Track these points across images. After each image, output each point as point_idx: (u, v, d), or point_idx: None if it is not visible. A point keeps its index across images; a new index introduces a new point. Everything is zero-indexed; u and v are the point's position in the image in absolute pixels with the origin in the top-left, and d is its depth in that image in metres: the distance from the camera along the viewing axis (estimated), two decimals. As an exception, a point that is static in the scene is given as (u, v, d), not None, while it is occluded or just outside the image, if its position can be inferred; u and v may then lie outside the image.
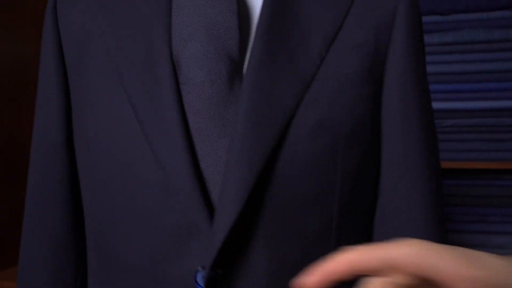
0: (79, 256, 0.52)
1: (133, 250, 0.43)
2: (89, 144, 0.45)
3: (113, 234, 0.44)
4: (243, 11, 0.47)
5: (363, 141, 0.45)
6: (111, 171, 0.44)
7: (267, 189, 0.41)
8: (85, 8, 0.50)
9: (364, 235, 0.47)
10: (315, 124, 0.42)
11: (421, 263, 0.23)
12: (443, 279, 0.23)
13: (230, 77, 0.43)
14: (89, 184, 0.46)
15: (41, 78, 0.52)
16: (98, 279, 0.47)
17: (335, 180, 0.43)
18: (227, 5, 0.44)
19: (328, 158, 0.42)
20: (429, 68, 1.45)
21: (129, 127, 0.43)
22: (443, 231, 0.48)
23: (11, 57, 1.42)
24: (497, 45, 1.40)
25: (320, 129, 0.42)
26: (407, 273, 0.24)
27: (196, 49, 0.43)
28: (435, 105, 1.41)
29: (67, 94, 0.50)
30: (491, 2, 1.41)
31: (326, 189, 0.42)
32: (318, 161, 0.42)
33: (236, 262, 0.41)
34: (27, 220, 0.52)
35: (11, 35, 1.42)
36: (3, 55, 1.39)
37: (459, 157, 1.39)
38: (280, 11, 0.45)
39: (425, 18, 1.47)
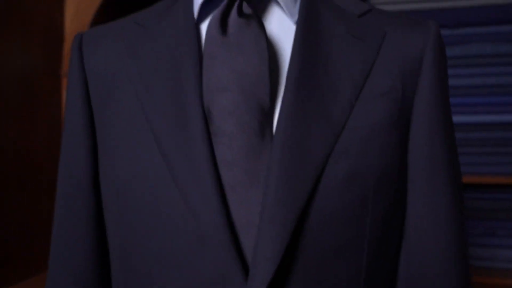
0: None
1: None
2: (118, 192, 0.46)
3: (142, 283, 0.44)
4: (273, 57, 0.47)
5: (392, 188, 0.45)
6: (142, 221, 0.44)
7: (300, 242, 0.41)
8: (111, 48, 0.51)
9: (392, 278, 0.48)
10: (346, 175, 0.42)
11: None
12: None
13: (261, 127, 0.43)
14: (118, 230, 0.47)
15: (67, 119, 0.52)
16: None
17: (364, 228, 0.43)
18: (258, 55, 0.44)
19: (358, 208, 0.43)
20: (468, 81, 1.46)
21: (161, 176, 0.43)
22: (467, 269, 0.49)
23: (19, 69, 1.43)
24: (505, 59, 1.41)
25: (350, 179, 0.42)
26: None
27: (228, 100, 0.43)
28: (464, 118, 1.42)
29: (93, 135, 0.51)
30: (499, 15, 1.42)
31: (356, 238, 0.43)
32: (348, 211, 0.43)
33: None
34: (52, 262, 0.53)
35: (19, 48, 1.43)
36: (11, 67, 1.40)
37: (467, 171, 1.40)
38: (310, 59, 0.45)
39: (456, 32, 1.48)
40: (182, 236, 0.42)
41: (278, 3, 0.49)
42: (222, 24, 0.45)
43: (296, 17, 0.49)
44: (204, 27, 0.50)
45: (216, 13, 0.46)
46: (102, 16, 1.60)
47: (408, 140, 0.47)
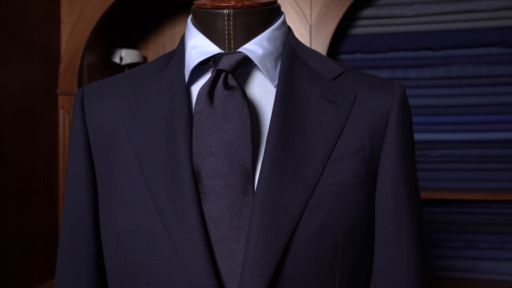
0: None
1: None
2: (117, 239, 0.52)
3: None
4: (256, 119, 0.54)
5: (359, 236, 0.52)
6: (139, 268, 0.51)
7: (278, 285, 0.48)
8: (110, 105, 0.57)
9: None
10: (318, 228, 0.49)
11: None
12: None
13: (244, 187, 0.50)
14: (117, 272, 0.53)
15: (70, 170, 0.58)
16: None
17: (335, 273, 0.50)
18: (241, 123, 0.50)
19: (329, 256, 0.49)
20: (420, 101, 1.53)
21: (155, 229, 0.50)
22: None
23: (20, 89, 1.48)
24: (485, 80, 1.48)
25: (322, 231, 0.49)
26: None
27: (214, 164, 0.50)
28: (425, 136, 1.48)
29: (94, 184, 0.57)
30: (479, 39, 1.49)
31: (328, 281, 0.50)
32: (320, 259, 0.49)
33: None
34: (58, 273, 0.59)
35: (20, 69, 1.48)
36: (11, 88, 1.45)
37: (447, 186, 1.47)
38: (287, 123, 0.51)
39: (417, 54, 1.55)
40: (174, 283, 0.49)
41: (260, 70, 0.55)
42: (210, 95, 0.51)
43: (276, 81, 0.55)
44: (194, 88, 0.57)
45: (205, 85, 0.52)
46: (95, 39, 1.66)
47: (375, 190, 0.54)
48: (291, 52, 0.56)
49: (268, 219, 0.48)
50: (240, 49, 0.55)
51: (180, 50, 0.58)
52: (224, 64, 0.52)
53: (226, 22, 0.54)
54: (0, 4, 1.39)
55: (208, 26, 0.56)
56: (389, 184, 0.53)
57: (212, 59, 0.55)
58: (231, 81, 0.52)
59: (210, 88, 0.51)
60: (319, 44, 1.49)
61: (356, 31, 1.58)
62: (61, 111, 1.66)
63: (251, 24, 0.55)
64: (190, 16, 0.59)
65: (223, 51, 0.55)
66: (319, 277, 0.49)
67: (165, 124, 0.52)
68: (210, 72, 0.55)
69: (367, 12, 1.57)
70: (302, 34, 1.49)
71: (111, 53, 1.81)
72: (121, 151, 0.54)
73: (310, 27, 1.50)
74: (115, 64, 1.83)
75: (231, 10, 0.54)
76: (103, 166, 0.55)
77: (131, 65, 1.84)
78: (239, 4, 0.53)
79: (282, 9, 1.44)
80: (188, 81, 0.56)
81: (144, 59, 1.91)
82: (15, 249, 1.44)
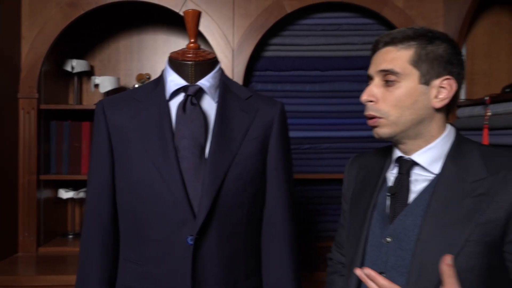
0: (116, 243, 1.01)
1: (155, 231, 0.95)
2: (130, 185, 0.96)
3: (143, 224, 0.95)
4: (206, 122, 0.99)
5: (258, 181, 1.01)
6: (145, 197, 0.95)
7: (217, 204, 0.95)
8: (121, 113, 0.99)
9: (259, 230, 1.03)
10: (237, 174, 0.97)
11: None
12: None
13: (201, 155, 0.96)
14: (129, 202, 0.97)
15: (96, 149, 1.00)
16: (131, 248, 0.97)
17: (245, 197, 0.99)
18: (199, 123, 0.97)
19: (242, 189, 0.98)
20: (312, 108, 2.04)
21: (155, 176, 0.94)
22: (295, 220, 1.06)
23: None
24: (356, 93, 2.04)
25: (239, 176, 0.97)
26: None
27: (186, 143, 0.95)
28: (299, 134, 1.99)
29: (112, 158, 0.99)
30: (353, 63, 2.05)
31: (241, 203, 0.98)
32: (238, 190, 0.97)
33: (205, 233, 0.94)
34: (87, 220, 1.00)
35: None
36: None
37: (314, 170, 1.99)
38: (222, 123, 0.99)
39: (310, 73, 2.04)
40: (165, 202, 0.94)
41: (208, 94, 1.02)
42: (183, 108, 0.97)
43: (216, 99, 1.02)
44: (172, 103, 1.01)
45: (180, 102, 0.98)
46: (52, 51, 1.94)
47: (267, 157, 1.03)
48: (223, 84, 1.04)
49: (213, 169, 0.95)
50: (198, 83, 1.01)
51: (162, 81, 1.03)
52: (190, 91, 0.99)
53: (190, 68, 1.00)
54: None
55: (179, 69, 1.01)
56: (273, 155, 1.03)
57: (182, 88, 1.01)
58: (194, 101, 0.98)
59: (183, 104, 0.98)
60: (239, 63, 1.95)
61: (267, 54, 2.05)
62: (21, 112, 1.92)
63: (203, 69, 1.01)
64: (167, 60, 1.04)
65: (188, 84, 1.01)
66: (237, 198, 0.97)
67: (157, 123, 0.97)
68: (181, 95, 1.01)
69: (275, 40, 2.05)
70: (226, 56, 1.95)
71: (63, 63, 2.11)
72: (131, 139, 0.97)
73: (233, 50, 1.96)
74: (67, 72, 2.12)
75: (193, 62, 1.00)
76: (120, 147, 0.98)
77: (81, 73, 2.15)
78: (197, 59, 1.00)
79: (212, 36, 1.90)
80: (168, 99, 1.01)
81: (92, 67, 2.21)
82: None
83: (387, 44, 0.89)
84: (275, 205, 1.03)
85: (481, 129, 1.68)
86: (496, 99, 1.66)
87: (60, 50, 2.08)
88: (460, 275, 0.77)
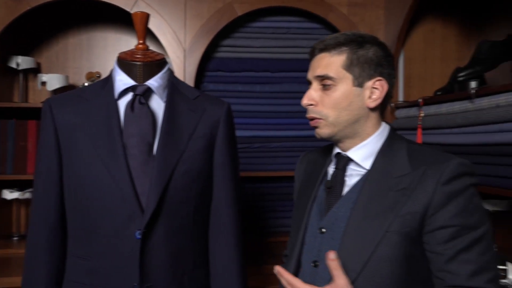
0: (64, 239, 1.02)
1: (104, 227, 0.97)
2: (78, 182, 0.97)
3: (91, 220, 0.97)
4: (154, 120, 1.02)
5: (204, 177, 1.06)
6: (93, 193, 0.96)
7: (165, 199, 0.98)
8: (69, 111, 1.00)
9: (206, 225, 1.08)
10: (184, 170, 1.01)
11: None
12: None
13: (149, 152, 0.99)
14: (76, 198, 0.98)
15: (43, 147, 1.00)
16: (80, 244, 0.98)
17: (192, 193, 1.03)
18: (147, 121, 0.99)
19: (189, 185, 1.02)
20: (263, 108, 2.11)
21: (103, 173, 0.96)
22: (240, 212, 1.11)
23: None
24: (303, 94, 2.13)
25: (186, 172, 1.01)
26: None
27: (134, 140, 0.98)
28: (250, 133, 2.05)
29: (59, 158, 1.00)
30: (301, 66, 2.14)
31: (188, 198, 1.02)
32: (185, 186, 1.01)
33: (152, 227, 0.97)
34: (33, 219, 1.00)
35: None
36: None
37: (265, 168, 2.06)
38: (170, 121, 1.02)
39: (261, 74, 2.11)
40: (114, 198, 0.97)
41: (156, 94, 1.05)
42: (132, 107, 0.99)
43: (164, 99, 1.06)
44: (120, 103, 1.03)
45: (129, 102, 1.00)
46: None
47: (213, 157, 1.08)
48: (171, 85, 1.07)
49: (161, 166, 0.98)
50: (146, 83, 1.04)
51: (110, 80, 1.05)
52: (138, 91, 1.01)
53: (138, 68, 1.03)
54: None
55: (128, 69, 1.04)
56: (220, 152, 1.08)
57: (130, 88, 1.03)
58: (142, 100, 1.01)
59: (131, 103, 1.00)
60: (191, 64, 1.98)
61: (219, 55, 2.09)
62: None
63: (152, 70, 1.04)
64: (116, 60, 1.06)
65: (137, 84, 1.03)
66: (184, 194, 1.02)
67: (105, 121, 0.99)
68: (129, 94, 1.03)
69: (227, 41, 2.09)
70: (178, 56, 1.97)
71: (8, 59, 2.04)
72: (79, 138, 0.98)
73: (184, 51, 1.99)
74: (12, 68, 2.06)
75: (142, 63, 1.03)
76: (68, 146, 0.99)
77: (27, 70, 2.09)
78: (146, 60, 1.03)
79: (164, 36, 1.92)
80: (117, 98, 1.03)
81: (38, 65, 2.16)
82: None
83: (321, 50, 0.96)
84: (221, 200, 1.08)
85: (415, 128, 1.83)
86: (428, 101, 1.81)
87: (5, 47, 2.01)
88: (381, 264, 0.84)
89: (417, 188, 0.87)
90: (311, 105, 0.96)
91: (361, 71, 0.94)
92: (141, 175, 0.97)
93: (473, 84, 1.60)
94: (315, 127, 0.97)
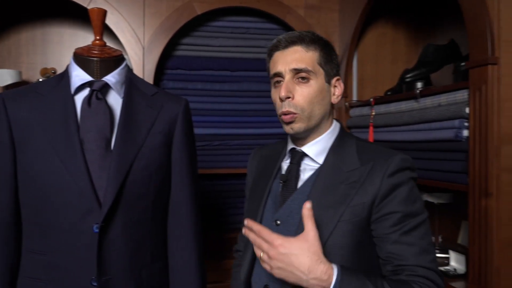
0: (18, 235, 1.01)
1: (60, 221, 0.97)
2: (33, 178, 0.96)
3: (47, 214, 0.96)
4: (112, 116, 1.03)
5: (163, 172, 1.08)
6: (48, 188, 0.96)
7: (122, 194, 0.99)
8: (22, 106, 0.99)
9: (165, 219, 1.10)
10: (142, 165, 1.03)
11: None
12: None
13: (106, 146, 1.00)
14: (31, 195, 0.97)
15: None
16: (35, 239, 0.97)
17: (150, 188, 1.04)
18: (105, 116, 1.00)
19: (148, 180, 1.03)
20: (222, 106, 2.13)
21: (59, 168, 0.96)
22: (199, 209, 1.14)
23: None
24: (264, 93, 2.19)
25: (144, 168, 1.03)
26: None
27: (91, 135, 0.98)
28: (209, 131, 2.07)
29: (13, 153, 0.98)
30: (261, 65, 2.19)
31: (146, 192, 1.04)
32: (143, 181, 1.03)
33: (110, 221, 0.98)
34: None
35: None
36: None
37: (224, 165, 2.10)
38: (128, 117, 1.03)
39: (220, 73, 2.14)
40: (72, 193, 0.96)
41: (114, 90, 1.06)
42: (88, 102, 1.00)
43: (122, 95, 1.06)
44: (77, 98, 1.03)
45: (85, 97, 1.00)
46: None
47: (171, 153, 1.10)
48: (129, 81, 1.08)
49: (118, 160, 0.99)
50: (103, 79, 1.04)
51: (66, 75, 1.04)
52: (95, 86, 1.02)
53: (95, 64, 1.03)
54: None
55: (85, 65, 1.04)
56: (178, 147, 1.10)
57: (87, 83, 1.03)
58: (99, 95, 1.02)
59: (88, 98, 1.00)
60: (150, 61, 1.98)
61: (179, 53, 2.10)
62: None
63: (109, 66, 1.05)
64: (72, 55, 1.06)
65: (94, 79, 1.04)
66: (143, 188, 1.03)
67: (61, 116, 0.99)
68: (86, 90, 1.03)
69: (186, 40, 2.11)
70: (136, 53, 1.97)
71: (-45, 53, 1.95)
72: (34, 133, 0.97)
73: (143, 48, 1.98)
74: (-40, 63, 1.98)
75: (99, 59, 1.04)
76: (22, 141, 0.98)
77: (-24, 65, 2.01)
78: (103, 56, 1.04)
79: (122, 34, 1.92)
80: (73, 93, 1.03)
81: (-11, 60, 2.08)
82: None
83: (294, 43, 0.97)
84: (179, 194, 1.10)
85: (367, 127, 1.92)
86: (379, 101, 1.91)
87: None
88: (334, 251, 0.90)
89: (366, 181, 0.93)
90: (289, 97, 0.96)
91: (329, 69, 0.99)
92: (98, 170, 0.98)
93: (419, 84, 1.71)
94: (289, 122, 0.97)
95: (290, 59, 0.96)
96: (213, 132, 2.10)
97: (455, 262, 1.69)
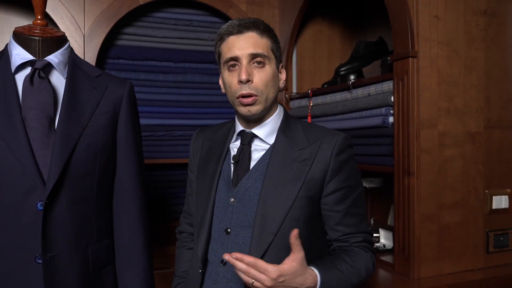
0: None
1: (4, 199, 0.95)
2: None
3: None
4: (55, 95, 1.03)
5: (109, 151, 1.09)
6: None
7: (67, 171, 1.00)
8: None
9: (111, 198, 1.11)
10: (87, 145, 1.04)
11: None
12: None
13: (50, 125, 1.00)
14: None
15: None
16: None
17: (95, 167, 1.05)
18: (48, 94, 1.00)
19: (93, 158, 1.05)
20: (164, 97, 2.14)
21: (1, 146, 0.94)
22: (143, 190, 1.16)
23: None
24: (207, 85, 2.23)
25: (89, 147, 1.04)
26: None
27: (34, 113, 0.97)
28: (153, 121, 2.09)
29: None
30: (204, 57, 2.22)
31: (92, 171, 1.05)
32: (88, 159, 1.04)
33: (55, 199, 0.98)
34: None
35: None
36: None
37: (169, 156, 2.12)
38: (71, 97, 1.03)
39: (163, 63, 2.15)
40: (15, 172, 0.95)
41: (57, 70, 1.05)
42: (31, 80, 0.99)
43: (65, 76, 1.07)
44: (17, 77, 1.02)
45: (27, 76, 0.99)
46: None
47: (116, 132, 1.11)
48: (72, 62, 1.09)
49: (63, 138, 1.00)
50: (46, 58, 1.04)
51: (6, 54, 1.02)
52: (38, 65, 1.01)
53: (37, 43, 1.03)
54: None
55: (26, 44, 1.02)
56: (123, 126, 1.12)
57: (29, 62, 1.02)
58: (42, 74, 1.01)
59: (30, 77, 0.99)
60: (91, 50, 1.94)
61: (120, 42, 2.08)
62: None
63: (51, 46, 1.05)
64: (12, 34, 1.04)
65: (36, 58, 1.03)
66: (87, 167, 1.04)
67: (1, 95, 0.97)
68: (28, 69, 1.02)
69: (128, 29, 2.09)
70: (76, 41, 1.93)
71: None
72: None
73: (84, 36, 1.94)
74: None
75: (40, 38, 1.03)
76: None
77: None
78: (45, 36, 1.03)
79: (61, 20, 1.88)
80: (13, 72, 1.01)
81: None
82: None
83: (249, 29, 1.01)
84: (124, 172, 1.12)
85: (306, 117, 2.04)
86: (316, 93, 2.03)
87: None
88: (293, 224, 0.97)
89: (316, 158, 1.02)
90: (249, 80, 0.99)
91: (277, 56, 1.06)
92: (41, 148, 0.97)
93: (351, 77, 1.84)
94: (247, 105, 1.00)
95: (247, 44, 1.00)
96: (157, 123, 2.11)
97: (385, 239, 1.85)
